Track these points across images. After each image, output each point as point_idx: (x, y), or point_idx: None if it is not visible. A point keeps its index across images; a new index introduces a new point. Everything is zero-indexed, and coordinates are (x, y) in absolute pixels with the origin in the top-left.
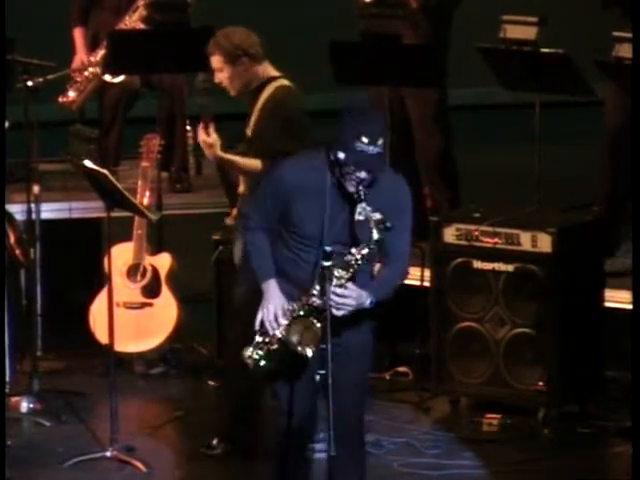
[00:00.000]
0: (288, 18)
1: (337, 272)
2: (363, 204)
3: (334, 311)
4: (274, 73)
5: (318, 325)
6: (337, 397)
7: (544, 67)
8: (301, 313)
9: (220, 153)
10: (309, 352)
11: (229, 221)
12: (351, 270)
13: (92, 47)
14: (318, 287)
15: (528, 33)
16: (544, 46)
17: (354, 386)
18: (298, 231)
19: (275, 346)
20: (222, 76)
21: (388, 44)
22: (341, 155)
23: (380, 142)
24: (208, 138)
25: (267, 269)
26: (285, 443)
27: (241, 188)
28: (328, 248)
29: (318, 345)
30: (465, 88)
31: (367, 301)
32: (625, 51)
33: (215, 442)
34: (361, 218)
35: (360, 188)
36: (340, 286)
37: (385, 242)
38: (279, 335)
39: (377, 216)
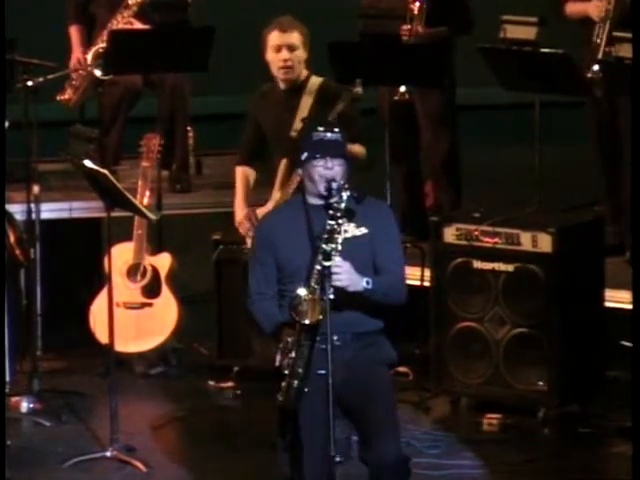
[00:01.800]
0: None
1: (325, 246)
2: (335, 183)
3: (334, 282)
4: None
5: (317, 297)
6: (368, 424)
7: (544, 67)
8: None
9: None
10: (319, 317)
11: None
12: (336, 236)
13: (88, 44)
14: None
15: (528, 33)
16: (544, 46)
17: (382, 410)
18: (290, 269)
19: (292, 354)
20: (296, 55)
21: (388, 44)
22: (303, 155)
23: (337, 130)
24: None
25: (280, 322)
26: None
27: (278, 195)
28: (328, 248)
29: (323, 310)
30: (465, 88)
31: (363, 280)
32: (625, 51)
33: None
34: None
35: (331, 186)
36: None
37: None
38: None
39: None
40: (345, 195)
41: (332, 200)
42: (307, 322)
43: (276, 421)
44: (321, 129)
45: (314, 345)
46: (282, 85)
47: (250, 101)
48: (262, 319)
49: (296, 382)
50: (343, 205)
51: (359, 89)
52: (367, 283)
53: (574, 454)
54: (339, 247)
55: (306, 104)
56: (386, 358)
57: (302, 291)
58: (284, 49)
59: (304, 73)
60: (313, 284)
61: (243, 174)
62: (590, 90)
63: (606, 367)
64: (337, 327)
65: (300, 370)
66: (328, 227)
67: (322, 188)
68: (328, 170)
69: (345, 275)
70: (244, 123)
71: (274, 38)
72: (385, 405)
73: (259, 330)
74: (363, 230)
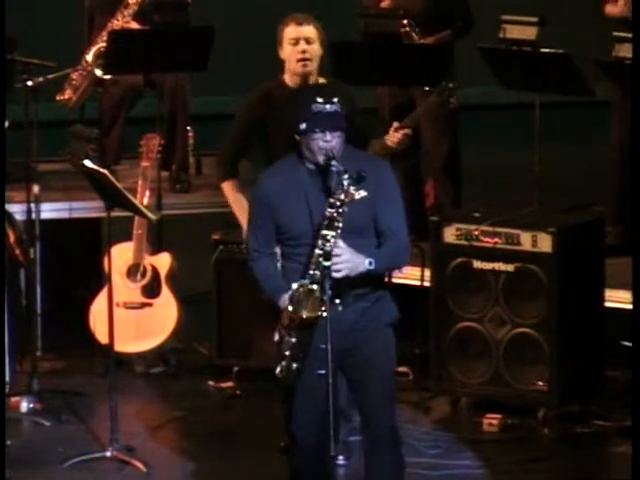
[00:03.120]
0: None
1: (325, 232)
2: (334, 165)
3: (333, 273)
4: None
5: (315, 287)
6: (366, 397)
7: (544, 67)
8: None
9: None
10: (320, 314)
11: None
12: (336, 224)
13: (87, 42)
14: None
15: (528, 33)
16: (544, 46)
17: (380, 385)
18: (290, 233)
19: (294, 339)
20: (313, 48)
21: (389, 44)
22: (302, 125)
23: (335, 100)
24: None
25: (279, 288)
26: (305, 459)
27: None
28: (328, 248)
29: (324, 306)
30: (465, 88)
31: (365, 261)
32: (625, 51)
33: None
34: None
35: (330, 157)
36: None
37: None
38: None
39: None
40: (345, 182)
41: (331, 182)
42: (304, 316)
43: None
44: (320, 100)
45: (314, 332)
46: (293, 83)
47: (251, 101)
48: (261, 278)
49: (295, 365)
50: (342, 196)
51: (453, 101)
52: (370, 264)
53: (574, 454)
54: (339, 231)
55: None
56: (388, 319)
57: (295, 285)
58: (302, 41)
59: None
60: (312, 271)
61: (234, 188)
62: (590, 90)
63: (606, 367)
64: (339, 289)
65: (301, 354)
66: (328, 214)
67: (321, 159)
68: (327, 142)
69: (344, 264)
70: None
71: (291, 31)
72: (383, 380)
73: (257, 320)
74: (362, 193)
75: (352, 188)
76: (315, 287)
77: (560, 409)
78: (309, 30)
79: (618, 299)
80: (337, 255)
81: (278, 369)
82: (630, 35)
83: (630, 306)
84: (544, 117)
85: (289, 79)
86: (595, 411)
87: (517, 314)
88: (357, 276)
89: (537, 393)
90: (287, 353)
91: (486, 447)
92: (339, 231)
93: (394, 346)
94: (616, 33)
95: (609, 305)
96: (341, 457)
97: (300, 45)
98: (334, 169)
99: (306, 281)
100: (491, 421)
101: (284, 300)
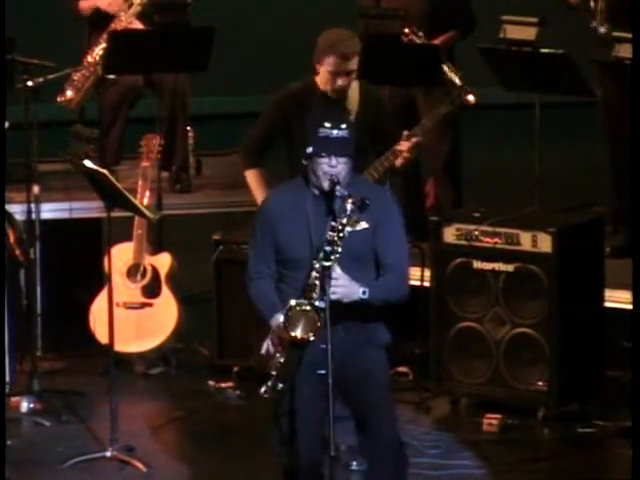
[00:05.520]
0: (288, 18)
1: (323, 251)
2: (339, 189)
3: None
4: None
5: (309, 308)
6: (366, 410)
7: (544, 67)
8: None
9: None
10: (311, 337)
11: None
12: (335, 248)
13: (87, 43)
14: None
15: (528, 33)
16: (544, 46)
17: (380, 398)
18: (288, 256)
19: (282, 359)
20: (351, 78)
21: (389, 44)
22: (309, 149)
23: (344, 126)
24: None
25: (272, 306)
26: (300, 461)
27: None
28: (328, 248)
29: (318, 330)
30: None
31: (359, 290)
32: (625, 51)
33: None
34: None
35: (334, 182)
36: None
37: (377, 248)
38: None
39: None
40: (349, 206)
41: (335, 206)
42: (297, 335)
43: (272, 414)
44: (328, 125)
45: (303, 354)
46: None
47: (279, 101)
48: (256, 297)
49: (281, 385)
50: (345, 220)
51: (471, 97)
52: (363, 293)
53: (574, 454)
54: (338, 255)
55: (352, 110)
56: (382, 341)
57: (293, 302)
58: (343, 76)
59: None
60: (310, 294)
61: (259, 175)
62: (590, 90)
63: (606, 367)
64: (332, 317)
65: (288, 375)
66: (329, 237)
67: (325, 185)
68: (332, 168)
69: (339, 288)
70: (251, 121)
71: (333, 64)
72: (382, 391)
73: (257, 320)
74: (363, 225)
75: (354, 216)
76: (309, 308)
77: (560, 409)
78: (353, 63)
79: (618, 299)
80: (334, 278)
81: (263, 388)
82: (630, 35)
83: (630, 306)
84: (544, 117)
85: (321, 82)
86: (595, 411)
87: (517, 314)
88: (351, 305)
89: (537, 393)
90: (274, 373)
91: (486, 447)
92: (337, 255)
93: (387, 365)
94: (616, 33)
95: (609, 305)
96: (354, 462)
97: (339, 81)
98: (338, 194)
99: (304, 301)
100: (491, 421)
101: (277, 318)
